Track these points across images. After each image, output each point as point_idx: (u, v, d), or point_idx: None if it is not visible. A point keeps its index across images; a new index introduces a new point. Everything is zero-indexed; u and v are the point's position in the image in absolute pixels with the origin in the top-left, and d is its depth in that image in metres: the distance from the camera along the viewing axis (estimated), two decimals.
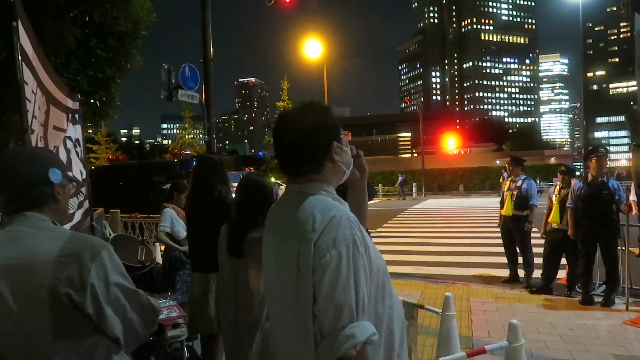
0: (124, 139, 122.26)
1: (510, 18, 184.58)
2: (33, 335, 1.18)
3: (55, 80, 3.35)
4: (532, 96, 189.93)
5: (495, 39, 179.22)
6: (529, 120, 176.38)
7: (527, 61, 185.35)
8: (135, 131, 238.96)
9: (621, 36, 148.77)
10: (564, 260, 5.99)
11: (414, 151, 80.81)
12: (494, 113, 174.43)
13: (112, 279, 1.26)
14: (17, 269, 1.18)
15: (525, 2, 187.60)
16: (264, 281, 1.43)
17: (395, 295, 1.36)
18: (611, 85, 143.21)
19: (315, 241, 1.15)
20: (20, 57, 2.28)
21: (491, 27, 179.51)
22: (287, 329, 1.27)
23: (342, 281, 1.12)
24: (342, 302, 1.12)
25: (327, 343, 1.12)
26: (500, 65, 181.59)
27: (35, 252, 1.20)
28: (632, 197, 7.22)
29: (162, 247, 5.43)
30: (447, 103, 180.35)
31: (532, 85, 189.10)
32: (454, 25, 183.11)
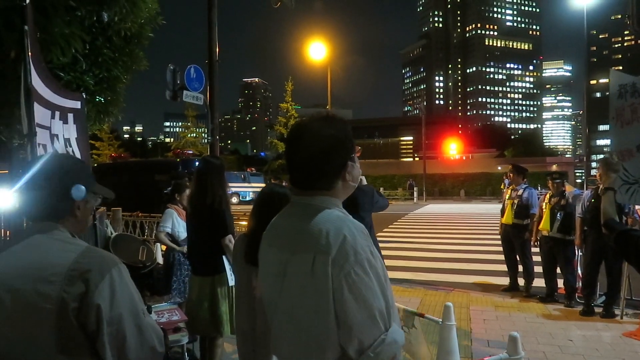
0: (126, 136, 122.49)
1: (515, 24, 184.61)
2: (34, 345, 1.16)
3: (43, 77, 3.28)
4: (535, 102, 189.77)
5: (499, 45, 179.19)
6: (532, 126, 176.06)
7: (531, 67, 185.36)
8: (138, 128, 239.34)
9: (625, 44, 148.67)
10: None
11: (415, 155, 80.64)
12: (496, 118, 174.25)
13: (118, 304, 1.22)
14: (28, 278, 1.18)
15: (530, 9, 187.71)
16: (262, 292, 1.40)
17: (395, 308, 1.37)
18: None
19: (334, 255, 1.14)
20: (29, 59, 2.27)
21: (495, 33, 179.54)
22: (297, 341, 1.24)
23: (370, 290, 1.15)
24: (374, 311, 1.14)
25: (373, 353, 1.13)
26: (504, 71, 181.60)
27: (47, 263, 1.19)
28: None
29: (164, 247, 5.44)
30: (450, 107, 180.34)
31: (535, 91, 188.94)
32: (459, 30, 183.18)
